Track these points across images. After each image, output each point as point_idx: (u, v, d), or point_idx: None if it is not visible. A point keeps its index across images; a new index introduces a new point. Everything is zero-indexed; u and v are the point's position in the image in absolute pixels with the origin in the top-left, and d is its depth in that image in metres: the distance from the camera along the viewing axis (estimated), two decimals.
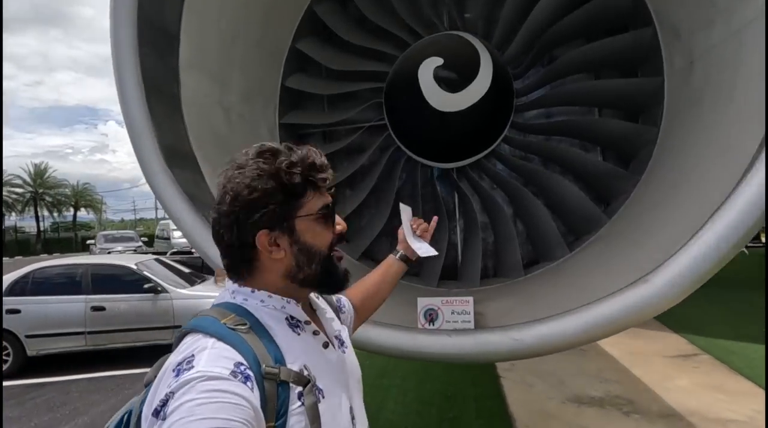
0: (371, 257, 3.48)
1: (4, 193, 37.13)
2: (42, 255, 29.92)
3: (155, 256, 7.28)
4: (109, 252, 17.18)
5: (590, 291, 1.76)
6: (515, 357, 1.65)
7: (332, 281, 0.94)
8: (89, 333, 5.35)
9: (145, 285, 5.50)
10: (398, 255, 1.39)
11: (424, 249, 1.35)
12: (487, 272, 3.18)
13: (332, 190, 0.94)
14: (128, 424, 0.86)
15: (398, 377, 3.90)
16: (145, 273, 5.70)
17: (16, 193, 39.30)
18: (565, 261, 2.75)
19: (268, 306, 0.88)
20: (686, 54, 2.34)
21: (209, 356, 0.75)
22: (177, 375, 0.73)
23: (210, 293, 5.63)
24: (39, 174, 41.11)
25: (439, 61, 2.38)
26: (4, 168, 42.79)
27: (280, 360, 0.81)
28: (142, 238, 24.13)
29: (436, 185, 3.10)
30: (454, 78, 2.39)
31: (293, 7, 3.19)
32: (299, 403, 0.79)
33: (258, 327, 0.84)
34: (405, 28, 3.17)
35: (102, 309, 5.42)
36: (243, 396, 0.71)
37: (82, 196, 45.38)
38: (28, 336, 5.35)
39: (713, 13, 2.04)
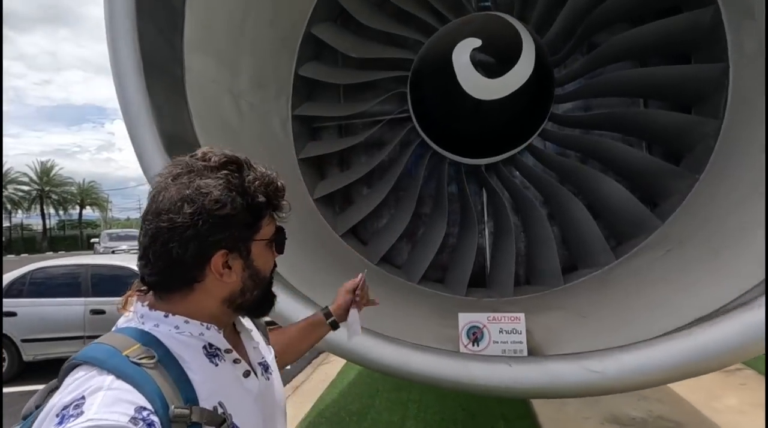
0: (390, 261, 3.21)
1: (10, 191, 37.17)
2: (48, 253, 29.93)
3: None
4: (113, 252, 17.00)
5: (672, 309, 1.48)
6: (592, 393, 1.37)
7: (265, 306, 0.89)
8: (89, 337, 5.09)
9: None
10: (329, 319, 1.25)
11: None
12: (518, 279, 2.89)
13: (283, 216, 0.87)
14: None
15: (416, 390, 3.64)
16: None
17: (23, 191, 39.36)
18: (612, 269, 2.46)
19: (183, 334, 0.78)
20: (760, 35, 2.04)
21: (104, 399, 0.63)
22: (60, 424, 0.60)
23: None
24: (45, 172, 41.18)
25: (476, 42, 2.09)
26: (10, 166, 42.96)
27: (191, 399, 0.72)
28: None
29: (465, 182, 2.81)
30: (494, 62, 2.10)
31: None
32: None
33: (167, 360, 0.73)
34: (429, 11, 2.89)
35: (102, 312, 5.16)
36: None
37: (88, 194, 45.44)
38: (24, 341, 5.09)
39: None
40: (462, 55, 2.11)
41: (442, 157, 2.90)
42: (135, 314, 0.79)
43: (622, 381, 1.28)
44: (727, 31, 2.32)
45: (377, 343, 1.44)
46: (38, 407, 0.71)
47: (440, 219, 2.90)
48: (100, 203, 47.83)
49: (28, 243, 35.57)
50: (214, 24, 2.14)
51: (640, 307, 1.78)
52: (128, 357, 0.70)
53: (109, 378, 0.66)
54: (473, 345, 1.64)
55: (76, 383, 0.66)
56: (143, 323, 0.77)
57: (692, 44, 2.58)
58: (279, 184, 0.84)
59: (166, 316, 0.78)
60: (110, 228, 36.00)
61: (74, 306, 5.16)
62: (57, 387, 0.69)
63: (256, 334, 0.98)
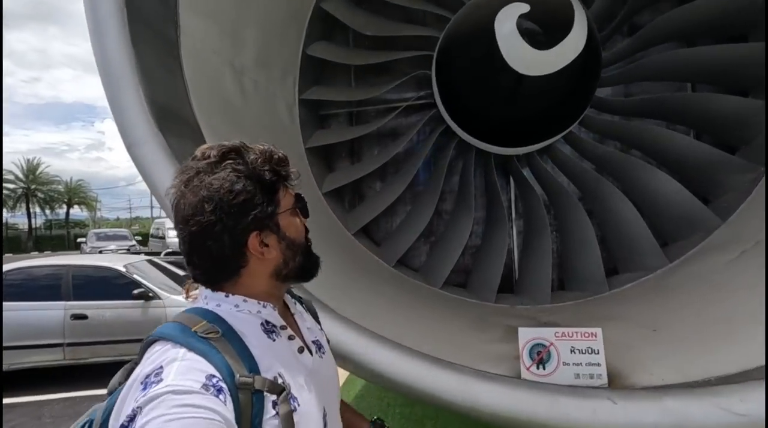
0: (405, 263, 2.89)
1: None
2: (33, 253, 29.11)
3: (147, 257, 6.58)
4: (100, 252, 16.45)
5: None
6: None
7: (311, 267, 0.94)
8: (68, 345, 4.68)
9: (135, 291, 4.80)
10: None
11: None
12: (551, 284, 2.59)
13: (294, 184, 0.91)
14: None
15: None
16: (135, 276, 5.01)
17: (8, 189, 38.36)
18: (667, 274, 2.17)
19: (242, 312, 0.85)
20: None
21: (179, 368, 0.71)
22: (144, 389, 0.69)
23: None
24: (31, 170, 40.22)
25: (524, 7, 1.79)
26: None
27: (254, 369, 0.78)
28: (136, 237, 23.29)
29: (495, 175, 2.51)
30: (543, 31, 1.80)
31: None
32: (274, 412, 0.77)
33: (230, 335, 0.81)
34: None
35: (84, 317, 4.74)
36: (215, 411, 0.68)
37: (76, 193, 44.47)
38: None
39: None
40: (507, 21, 1.80)
41: (468, 146, 2.59)
42: (200, 296, 0.88)
43: None
44: None
45: (430, 369, 1.11)
46: (121, 384, 0.79)
47: (466, 216, 2.59)
48: (88, 202, 46.86)
49: (13, 243, 34.60)
50: None
51: (725, 319, 1.48)
52: (196, 332, 0.77)
53: (182, 351, 0.74)
54: (538, 367, 1.34)
55: (154, 356, 0.74)
56: (207, 303, 0.85)
57: (749, 23, 2.30)
58: (280, 154, 0.87)
59: (226, 296, 0.86)
60: (99, 228, 35.16)
61: (53, 311, 4.73)
62: (137, 364, 0.76)
63: (310, 320, 1.03)
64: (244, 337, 0.81)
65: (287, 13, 2.51)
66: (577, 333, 1.36)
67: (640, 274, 2.30)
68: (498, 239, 2.56)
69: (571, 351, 1.34)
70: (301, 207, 0.91)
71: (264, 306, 0.87)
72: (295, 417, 0.79)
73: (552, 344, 1.36)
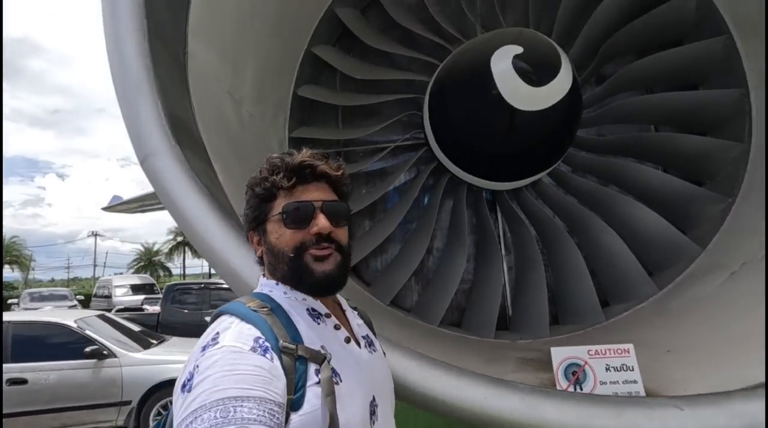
0: (396, 304, 2.80)
1: None
2: None
3: (100, 312, 5.97)
4: None
5: None
6: None
7: (303, 282, 0.95)
8: (4, 416, 4.00)
9: (87, 349, 4.27)
10: None
11: None
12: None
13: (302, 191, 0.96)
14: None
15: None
16: (88, 332, 4.49)
17: None
18: (661, 301, 2.23)
19: (290, 298, 0.95)
20: None
21: (232, 333, 0.83)
22: (203, 351, 0.80)
23: (170, 357, 4.47)
24: None
25: (517, 49, 1.93)
26: None
27: (297, 340, 0.86)
28: (77, 297, 21.32)
29: (486, 209, 2.56)
30: (535, 71, 1.94)
31: (312, 5, 2.73)
32: (316, 379, 0.83)
33: (279, 311, 0.91)
34: (437, 34, 2.79)
35: (23, 382, 4.12)
36: (263, 367, 0.78)
37: (8, 252, 40.76)
38: None
39: None
40: (502, 61, 1.93)
41: (459, 183, 2.65)
42: (259, 284, 1.02)
43: None
44: (743, 59, 2.35)
45: (490, 389, 1.02)
46: None
47: (460, 253, 2.59)
48: (21, 261, 42.94)
49: None
50: (222, 13, 1.84)
51: (738, 337, 1.52)
52: (250, 307, 0.90)
53: (236, 320, 0.87)
54: (575, 388, 1.28)
55: (213, 326, 0.88)
56: (262, 288, 0.99)
57: (702, 74, 2.61)
58: (294, 161, 0.95)
59: (276, 284, 0.97)
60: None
61: None
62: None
63: (363, 325, 1.08)
64: (291, 316, 0.91)
65: (280, 54, 2.57)
66: (609, 350, 1.34)
67: (633, 303, 2.35)
68: (493, 275, 2.56)
69: (606, 369, 1.30)
70: (286, 216, 0.94)
71: (308, 296, 0.96)
72: (337, 390, 0.83)
73: (586, 363, 1.32)
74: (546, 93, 1.95)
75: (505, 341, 2.32)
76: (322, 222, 0.93)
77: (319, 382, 0.82)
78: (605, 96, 2.71)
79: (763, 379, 1.16)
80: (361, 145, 2.99)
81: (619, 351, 1.34)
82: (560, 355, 1.37)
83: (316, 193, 0.96)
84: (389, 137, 2.93)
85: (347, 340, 0.96)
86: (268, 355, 0.80)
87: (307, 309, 0.95)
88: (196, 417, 0.72)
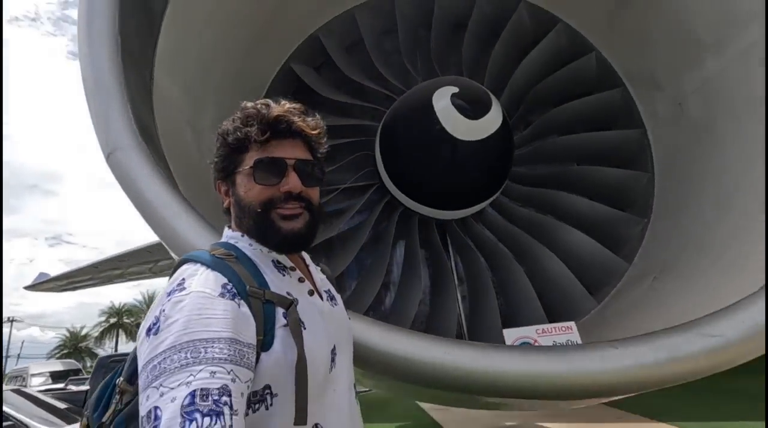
0: None
1: None
2: None
3: (15, 388, 5.16)
4: None
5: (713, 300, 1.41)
6: (718, 366, 1.13)
7: (267, 238, 0.95)
8: None
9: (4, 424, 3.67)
10: None
11: None
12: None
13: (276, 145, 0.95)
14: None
15: None
16: (6, 408, 3.87)
17: None
18: (601, 311, 2.41)
19: (255, 250, 0.95)
20: (672, 98, 2.52)
21: (199, 279, 0.83)
22: (169, 296, 0.80)
23: None
24: None
25: (454, 89, 2.23)
26: None
27: (264, 286, 0.88)
28: None
29: (438, 239, 2.70)
30: (470, 107, 2.22)
31: (270, 60, 2.98)
32: (284, 321, 0.85)
33: (245, 259, 0.91)
34: (385, 87, 3.11)
35: None
36: (231, 311, 0.79)
37: None
38: None
39: (698, 51, 2.25)
40: (442, 99, 2.21)
41: (410, 217, 2.81)
42: (224, 235, 1.01)
43: (748, 345, 1.09)
44: (638, 104, 2.83)
45: (450, 347, 1.06)
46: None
47: (416, 286, 2.67)
48: None
49: None
50: (186, 51, 1.99)
51: (668, 318, 1.69)
52: (215, 255, 0.89)
53: (202, 268, 0.86)
54: None
55: (177, 273, 0.87)
56: (227, 240, 0.99)
57: (610, 118, 3.07)
58: (272, 113, 0.92)
59: (242, 236, 0.98)
60: None
61: None
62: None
63: (325, 279, 1.10)
64: (258, 265, 0.91)
65: (239, 100, 2.73)
66: (555, 328, 1.44)
67: (577, 319, 2.50)
68: (448, 305, 2.64)
69: (554, 344, 1.39)
70: (257, 170, 0.92)
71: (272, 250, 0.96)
72: (303, 334, 0.85)
73: (536, 340, 1.40)
74: (482, 125, 2.23)
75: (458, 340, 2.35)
76: (293, 181, 0.92)
77: (287, 324, 0.84)
78: (533, 138, 3.09)
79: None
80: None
81: (563, 329, 1.45)
82: (512, 336, 1.45)
83: (290, 150, 0.93)
84: (344, 178, 3.09)
85: (310, 293, 0.96)
86: (236, 300, 0.80)
87: (273, 261, 0.95)
88: (165, 358, 0.71)
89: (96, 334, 41.62)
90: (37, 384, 13.74)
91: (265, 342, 0.81)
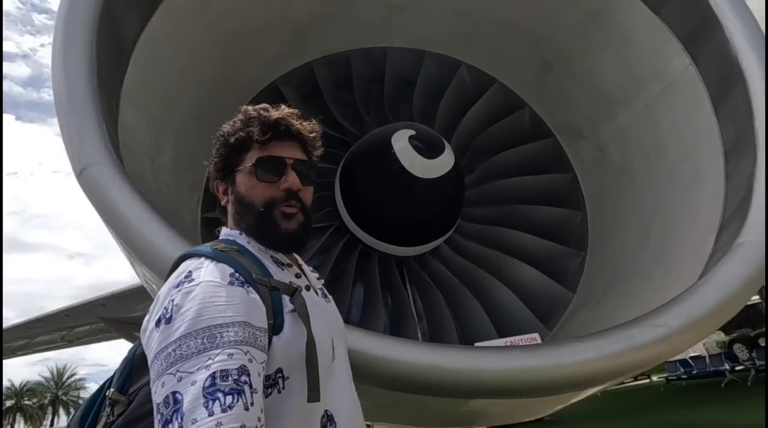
0: None
1: None
2: None
3: None
4: None
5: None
6: (667, 353, 1.24)
7: (267, 236, 0.99)
8: None
9: None
10: None
11: None
12: None
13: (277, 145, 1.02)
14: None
15: None
16: None
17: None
18: (551, 338, 2.54)
19: (253, 247, 0.99)
20: (595, 146, 2.91)
21: (206, 270, 0.85)
22: (177, 287, 0.82)
23: None
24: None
25: (411, 131, 2.43)
26: None
27: (268, 275, 0.92)
28: None
29: (396, 275, 2.77)
30: (426, 148, 2.42)
31: (231, 103, 3.04)
32: (291, 306, 0.89)
33: (246, 253, 0.95)
34: (341, 132, 3.28)
35: None
36: (242, 297, 0.82)
37: None
38: None
39: (612, 106, 2.66)
40: (401, 139, 2.39)
41: (370, 254, 2.87)
42: (221, 234, 1.05)
43: (690, 332, 1.23)
44: (567, 151, 3.22)
45: (433, 351, 1.08)
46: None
47: (375, 325, 2.68)
48: None
49: None
50: (151, 88, 2.01)
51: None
52: (217, 249, 0.94)
53: (206, 261, 0.89)
54: None
55: (181, 268, 0.88)
56: (226, 237, 1.03)
57: (544, 164, 3.43)
58: (270, 116, 1.00)
59: (240, 234, 1.02)
60: None
61: None
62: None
63: (318, 280, 1.16)
64: (258, 257, 0.96)
65: (198, 141, 2.73)
66: (521, 339, 1.52)
67: None
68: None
69: None
70: (259, 168, 0.99)
71: (269, 248, 1.01)
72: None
73: None
74: (437, 164, 2.42)
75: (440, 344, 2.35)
76: (292, 178, 0.99)
77: (294, 310, 0.88)
78: (477, 182, 3.36)
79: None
80: None
81: (528, 339, 1.54)
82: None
83: (289, 151, 1.02)
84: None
85: (307, 288, 1.01)
86: (245, 287, 0.84)
87: (271, 257, 1.00)
88: (180, 344, 0.73)
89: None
90: None
91: (275, 325, 0.85)
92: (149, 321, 0.79)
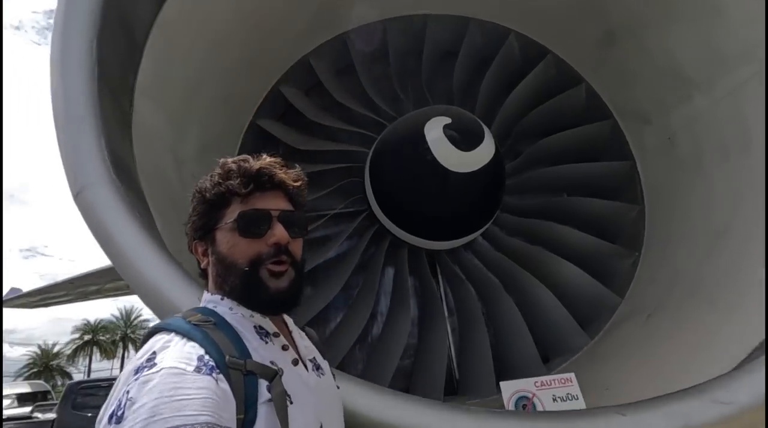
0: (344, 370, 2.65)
1: None
2: None
3: None
4: None
5: (704, 355, 1.37)
6: None
7: (254, 298, 0.88)
8: None
9: None
10: None
11: None
12: None
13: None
14: None
15: None
16: None
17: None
18: (593, 348, 2.35)
19: (236, 314, 0.88)
20: (661, 132, 2.53)
21: (172, 353, 0.74)
22: (136, 374, 0.71)
23: None
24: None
25: (446, 119, 2.20)
26: None
27: (246, 355, 0.80)
28: None
29: (427, 269, 2.63)
30: (463, 138, 2.19)
31: (259, 83, 2.93)
32: (268, 395, 0.77)
33: (224, 325, 0.84)
34: (375, 112, 3.07)
35: None
36: (209, 389, 0.71)
37: None
38: None
39: (687, 88, 2.26)
40: (434, 129, 2.17)
41: (400, 245, 2.74)
42: (202, 300, 0.94)
43: (760, 411, 1.03)
44: (627, 137, 2.84)
45: (447, 413, 0.98)
46: None
47: (403, 317, 2.58)
48: None
49: None
50: (170, 78, 1.91)
51: (655, 367, 1.64)
52: (191, 321, 0.81)
53: (175, 338, 0.78)
54: None
55: (148, 345, 0.78)
56: (205, 304, 0.91)
57: (598, 149, 3.08)
58: (252, 167, 0.89)
59: (222, 299, 0.90)
60: None
61: None
62: None
63: (308, 342, 1.01)
64: (239, 332, 0.84)
65: (227, 124, 2.66)
66: (554, 380, 1.36)
67: (569, 356, 2.44)
68: (438, 337, 2.56)
69: (554, 399, 1.32)
70: (240, 224, 0.88)
71: (254, 313, 0.89)
72: (288, 411, 0.77)
73: (534, 395, 1.33)
74: (474, 156, 2.19)
75: (453, 404, 2.25)
76: (280, 232, 0.88)
77: (271, 399, 0.76)
78: (522, 168, 3.07)
79: (690, 386, 1.24)
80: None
81: (563, 381, 1.38)
82: (510, 389, 1.37)
83: (273, 202, 0.91)
84: (331, 205, 3.01)
85: (295, 362, 0.89)
86: (214, 374, 0.72)
87: (255, 327, 0.88)
88: None
89: (69, 352, 39.92)
90: (5, 404, 13.01)
91: (246, 421, 0.73)
92: (104, 413, 0.69)
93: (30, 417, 8.05)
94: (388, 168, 2.44)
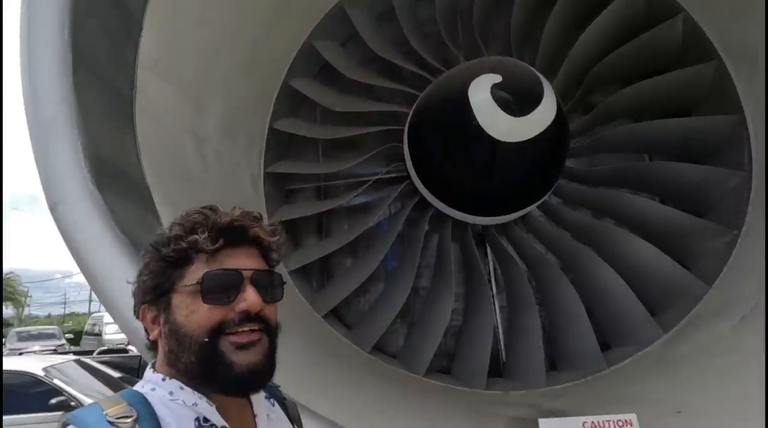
0: (380, 349, 2.58)
1: None
2: None
3: (77, 357, 5.63)
4: (20, 354, 14.32)
5: None
6: None
7: (215, 378, 0.71)
8: None
9: (53, 400, 3.96)
10: None
11: None
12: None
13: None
14: None
15: None
16: (56, 381, 4.17)
17: None
18: (665, 345, 2.02)
19: (176, 401, 0.72)
20: None
21: None
22: None
23: None
24: None
25: (496, 77, 1.82)
26: None
27: None
28: (67, 336, 20.60)
29: (473, 246, 2.39)
30: (516, 100, 1.82)
31: (288, 39, 2.66)
32: None
33: (148, 421, 0.69)
34: (420, 65, 2.70)
35: None
36: None
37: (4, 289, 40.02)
38: None
39: None
40: (480, 90, 1.82)
41: (444, 217, 2.49)
42: (144, 378, 0.79)
43: None
44: (737, 84, 2.24)
45: None
46: None
47: (446, 293, 2.40)
48: (16, 298, 42.03)
49: None
50: (180, 47, 1.73)
51: (748, 395, 1.32)
52: (107, 416, 0.68)
53: None
54: None
55: None
56: (143, 386, 0.75)
57: (693, 100, 2.50)
58: (219, 220, 0.74)
59: (163, 380, 0.75)
60: (25, 326, 31.09)
61: None
62: None
63: (279, 411, 0.85)
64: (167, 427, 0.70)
65: (256, 88, 2.47)
66: (609, 422, 1.13)
67: (635, 348, 2.14)
68: (483, 317, 2.36)
69: None
70: (205, 288, 0.71)
71: (200, 399, 0.72)
72: None
73: None
74: (528, 123, 1.82)
75: (497, 392, 2.10)
76: (251, 297, 0.73)
77: None
78: (594, 125, 2.59)
79: None
80: (343, 178, 2.85)
81: (621, 423, 1.14)
82: None
83: (245, 260, 0.76)
84: (372, 170, 2.79)
85: None
86: None
87: (196, 420, 0.71)
88: None
89: None
90: (110, 332, 15.19)
91: None
92: None
93: (126, 351, 9.06)
94: (427, 134, 2.15)
